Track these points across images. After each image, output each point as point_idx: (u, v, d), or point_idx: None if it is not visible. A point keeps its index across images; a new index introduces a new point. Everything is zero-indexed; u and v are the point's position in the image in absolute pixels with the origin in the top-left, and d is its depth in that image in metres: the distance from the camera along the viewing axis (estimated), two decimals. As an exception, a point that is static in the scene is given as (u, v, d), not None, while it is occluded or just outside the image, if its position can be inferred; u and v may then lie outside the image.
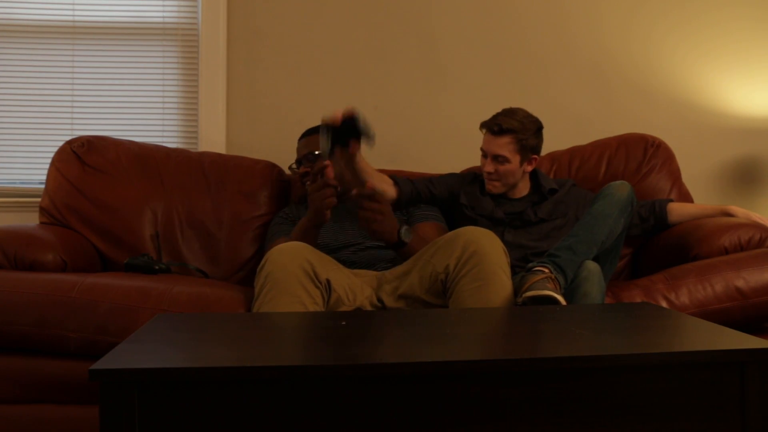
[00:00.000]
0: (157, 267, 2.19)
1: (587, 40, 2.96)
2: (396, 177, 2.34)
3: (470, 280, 1.78)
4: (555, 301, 1.76)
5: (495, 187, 2.27)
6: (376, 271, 2.07)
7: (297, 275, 1.79)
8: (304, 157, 2.37)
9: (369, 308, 1.95)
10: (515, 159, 2.23)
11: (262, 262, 1.85)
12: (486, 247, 1.80)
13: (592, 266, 1.89)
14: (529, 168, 2.28)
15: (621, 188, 2.01)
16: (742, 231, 2.14)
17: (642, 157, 2.55)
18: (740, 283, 1.94)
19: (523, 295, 1.78)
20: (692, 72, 2.97)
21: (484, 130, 2.28)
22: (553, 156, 2.64)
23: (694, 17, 2.97)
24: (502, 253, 1.84)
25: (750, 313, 1.94)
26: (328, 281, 1.85)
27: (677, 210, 2.33)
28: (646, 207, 2.34)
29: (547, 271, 1.86)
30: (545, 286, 1.78)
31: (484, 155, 2.27)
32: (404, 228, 2.01)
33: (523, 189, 2.32)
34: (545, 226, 2.25)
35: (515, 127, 2.22)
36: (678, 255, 2.21)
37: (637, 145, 2.58)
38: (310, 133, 2.41)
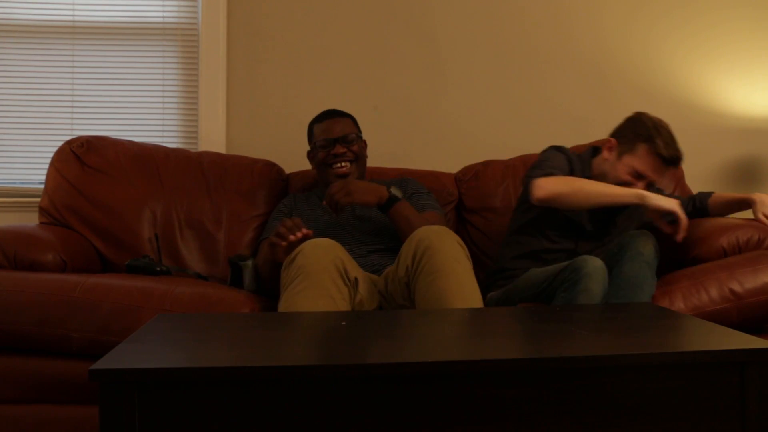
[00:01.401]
0: (158, 269, 2.19)
1: (588, 40, 2.96)
2: None
3: (425, 275, 1.80)
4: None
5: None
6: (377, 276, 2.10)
7: (329, 270, 1.80)
8: (342, 139, 2.31)
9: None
10: None
11: (293, 254, 1.85)
12: (436, 242, 1.82)
13: (597, 263, 1.87)
14: None
15: (646, 245, 1.95)
16: (740, 232, 2.14)
17: (647, 154, 2.56)
18: (734, 285, 1.93)
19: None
20: (692, 72, 2.97)
21: (658, 160, 2.14)
22: (556, 154, 2.64)
23: (695, 18, 2.97)
24: (456, 246, 1.85)
25: (747, 314, 1.93)
26: (356, 280, 1.87)
27: (712, 205, 2.29)
28: (687, 204, 2.28)
29: None
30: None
31: (640, 177, 2.16)
32: (392, 186, 2.14)
33: None
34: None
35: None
36: (676, 255, 2.21)
37: (643, 144, 2.59)
38: (331, 115, 2.38)
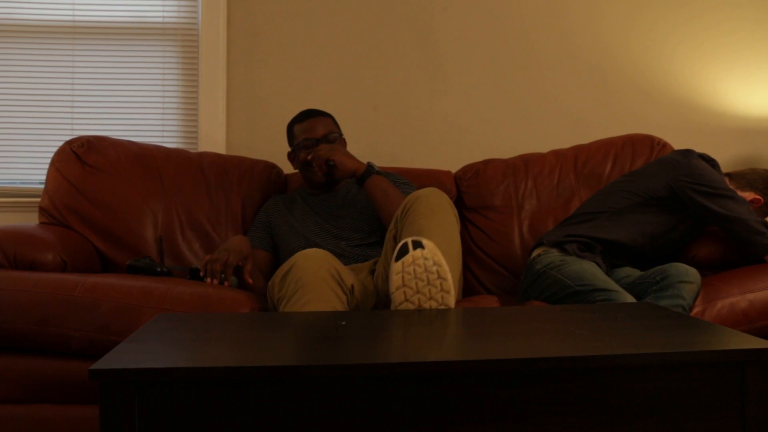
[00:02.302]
0: (159, 269, 2.19)
1: (588, 40, 2.96)
2: None
3: (410, 219, 1.84)
4: None
5: None
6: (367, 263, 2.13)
7: (327, 280, 1.80)
8: (324, 138, 2.33)
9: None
10: None
11: (286, 267, 1.84)
12: (424, 195, 1.87)
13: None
14: None
15: (690, 292, 1.96)
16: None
17: (649, 154, 2.56)
18: (744, 304, 1.92)
19: None
20: (693, 72, 2.97)
21: None
22: (558, 153, 2.64)
23: (695, 17, 2.97)
24: (445, 201, 1.88)
25: (757, 335, 1.93)
26: (352, 287, 1.87)
27: None
28: None
29: None
30: None
31: None
32: (370, 162, 2.17)
33: None
34: None
35: None
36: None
37: (644, 143, 2.59)
38: (311, 115, 2.38)
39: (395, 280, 1.58)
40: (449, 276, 1.59)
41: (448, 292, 1.59)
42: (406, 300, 1.58)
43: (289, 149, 2.45)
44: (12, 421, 1.86)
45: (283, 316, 1.63)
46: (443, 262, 1.59)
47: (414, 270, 1.58)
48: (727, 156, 2.96)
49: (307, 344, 1.31)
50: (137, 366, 1.05)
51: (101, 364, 1.05)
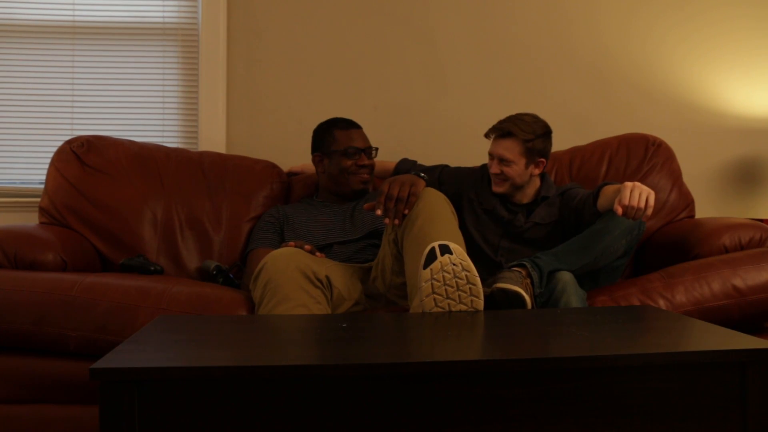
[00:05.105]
0: (152, 268, 2.22)
1: (587, 40, 2.96)
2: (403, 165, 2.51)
3: (410, 222, 1.81)
4: (522, 301, 1.77)
5: (501, 187, 2.26)
6: (361, 265, 2.12)
7: (296, 279, 1.80)
8: (368, 149, 2.40)
9: (365, 302, 1.99)
10: (520, 162, 2.22)
11: (257, 269, 1.86)
12: (422, 196, 1.84)
13: (566, 277, 1.89)
14: (537, 171, 2.26)
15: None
16: (742, 231, 2.14)
17: (643, 155, 2.55)
18: (737, 281, 1.93)
19: (493, 285, 1.80)
20: (692, 72, 2.97)
21: (492, 135, 2.27)
22: (554, 156, 2.63)
23: (694, 17, 2.97)
24: (442, 200, 1.87)
25: (748, 312, 1.93)
26: (327, 278, 1.87)
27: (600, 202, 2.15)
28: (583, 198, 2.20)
29: (523, 272, 1.88)
30: (517, 283, 1.80)
31: (492, 157, 2.26)
32: (419, 172, 2.09)
33: (530, 194, 2.30)
34: (535, 230, 2.24)
35: (520, 129, 2.21)
36: (678, 254, 2.21)
37: (638, 144, 2.58)
38: (353, 125, 2.42)
39: (425, 288, 1.56)
40: (478, 281, 1.58)
41: (477, 297, 1.57)
42: (436, 306, 1.57)
43: (310, 149, 2.45)
44: (12, 421, 1.86)
45: (283, 319, 1.63)
46: (472, 266, 1.58)
47: (443, 277, 1.56)
48: (727, 156, 2.97)
49: (307, 345, 1.31)
50: (137, 365, 1.05)
51: (102, 363, 1.05)
